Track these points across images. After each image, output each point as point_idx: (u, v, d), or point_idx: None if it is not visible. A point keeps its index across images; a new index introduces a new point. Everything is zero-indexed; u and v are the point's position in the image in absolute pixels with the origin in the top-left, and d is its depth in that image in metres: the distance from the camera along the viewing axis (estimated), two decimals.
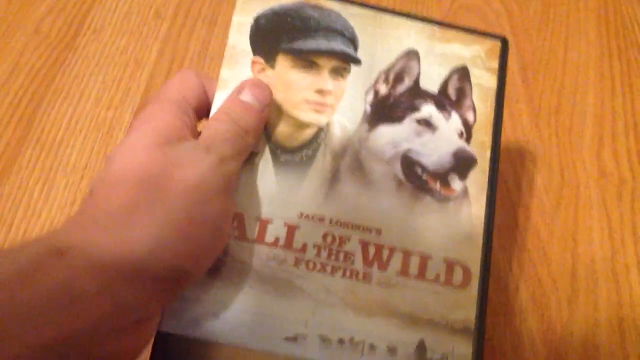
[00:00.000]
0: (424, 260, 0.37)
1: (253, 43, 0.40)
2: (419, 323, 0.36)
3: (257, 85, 0.37)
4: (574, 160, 0.55)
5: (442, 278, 0.37)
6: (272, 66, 0.39)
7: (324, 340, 0.35)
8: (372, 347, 0.35)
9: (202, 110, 0.38)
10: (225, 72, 0.39)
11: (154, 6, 0.66)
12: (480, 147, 0.40)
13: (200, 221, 0.30)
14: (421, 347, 0.35)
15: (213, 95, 0.38)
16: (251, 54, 0.39)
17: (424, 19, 0.43)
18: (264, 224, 0.36)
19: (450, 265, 0.37)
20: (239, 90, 0.37)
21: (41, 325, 0.26)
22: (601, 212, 0.51)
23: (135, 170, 0.31)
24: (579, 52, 0.62)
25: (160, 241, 0.29)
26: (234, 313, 0.35)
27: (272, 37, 0.40)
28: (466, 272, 0.37)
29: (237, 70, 0.39)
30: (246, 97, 0.37)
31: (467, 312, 0.36)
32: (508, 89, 0.60)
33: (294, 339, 0.35)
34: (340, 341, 0.35)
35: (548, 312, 0.47)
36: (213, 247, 0.32)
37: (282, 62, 0.39)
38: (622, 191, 0.53)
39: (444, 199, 0.38)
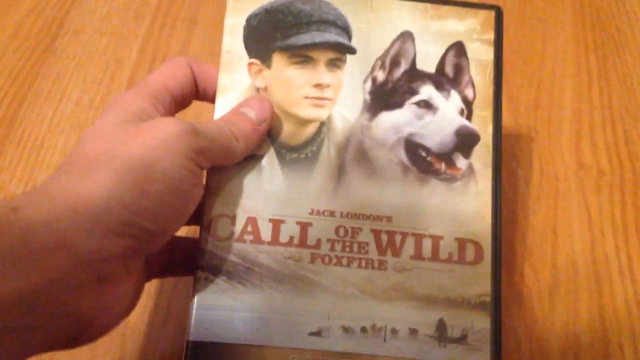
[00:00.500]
0: (436, 241, 0.38)
1: (247, 45, 0.40)
2: (437, 303, 0.36)
3: (258, 99, 0.38)
4: (552, 153, 0.55)
5: (455, 257, 0.37)
6: (269, 66, 0.39)
7: (347, 330, 0.36)
8: (393, 331, 0.36)
9: (187, 99, 0.39)
10: (223, 77, 0.39)
11: (133, 6, 0.66)
12: (482, 122, 0.40)
13: (157, 179, 0.30)
14: (441, 326, 0.36)
15: (207, 80, 0.39)
16: (247, 56, 0.40)
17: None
18: (277, 225, 0.37)
19: (462, 243, 0.38)
20: (241, 104, 0.38)
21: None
22: (580, 204, 0.52)
23: (99, 142, 0.32)
24: (556, 46, 0.63)
25: (113, 194, 0.29)
26: (258, 315, 0.35)
27: (266, 36, 0.40)
28: (478, 248, 0.38)
29: (235, 75, 0.39)
30: (245, 109, 0.37)
31: (482, 287, 0.37)
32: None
33: (318, 333, 0.35)
34: (363, 329, 0.36)
35: (530, 303, 0.47)
36: (175, 208, 0.32)
37: (278, 61, 0.40)
38: (600, 183, 0.53)
39: (450, 179, 0.39)
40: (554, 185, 0.53)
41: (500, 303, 0.37)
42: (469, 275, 0.37)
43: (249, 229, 0.37)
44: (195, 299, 0.35)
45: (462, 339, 0.36)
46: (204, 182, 0.37)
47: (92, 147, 0.32)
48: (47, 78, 0.60)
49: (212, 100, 0.39)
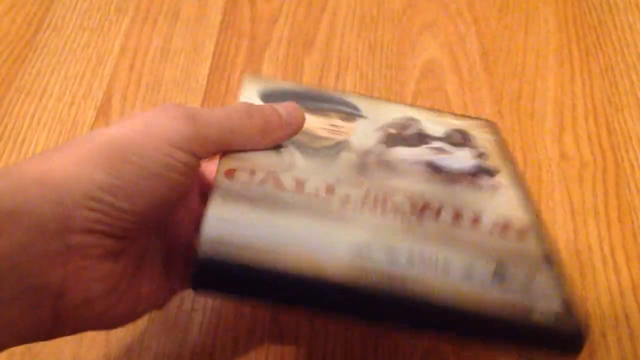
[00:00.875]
0: (477, 216, 0.35)
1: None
2: (489, 251, 0.33)
3: (293, 105, 0.38)
4: (536, 144, 0.55)
5: (499, 231, 0.35)
6: None
7: (391, 256, 0.31)
8: (445, 265, 0.32)
9: None
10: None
11: (114, 1, 0.65)
12: (501, 165, 0.40)
13: (133, 162, 0.30)
14: (499, 271, 0.32)
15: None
16: None
17: (418, 107, 0.45)
18: (301, 182, 0.35)
19: (505, 223, 0.35)
20: (276, 104, 0.37)
21: None
22: (563, 194, 0.52)
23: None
24: (539, 38, 0.63)
25: (83, 169, 0.29)
26: (287, 235, 0.31)
27: (280, 99, 0.40)
28: (521, 229, 0.35)
29: None
30: (277, 106, 0.37)
31: (536, 243, 0.34)
32: (470, 77, 0.60)
33: (358, 252, 0.31)
34: (410, 258, 0.32)
35: None
36: (153, 193, 0.31)
37: None
38: (583, 174, 0.54)
39: (477, 187, 0.37)
40: (537, 176, 0.53)
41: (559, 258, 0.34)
42: (517, 244, 0.34)
43: (270, 180, 0.34)
44: (209, 210, 0.31)
45: (522, 286, 0.32)
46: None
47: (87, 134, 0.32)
48: (28, 74, 0.60)
49: None
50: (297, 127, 0.37)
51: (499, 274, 0.32)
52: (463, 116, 0.44)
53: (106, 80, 0.60)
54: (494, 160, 0.40)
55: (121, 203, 0.30)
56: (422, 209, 0.35)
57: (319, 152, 0.38)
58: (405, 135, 0.41)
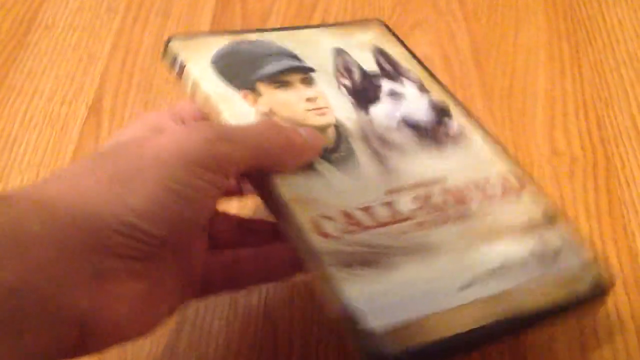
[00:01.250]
0: (487, 181, 0.39)
1: (229, 82, 0.39)
2: (526, 231, 0.37)
3: (311, 129, 0.37)
4: (527, 140, 0.56)
5: (509, 186, 0.39)
6: (260, 94, 0.40)
7: (490, 274, 0.34)
8: (512, 264, 0.35)
9: None
10: (229, 115, 0.38)
11: (105, 1, 0.65)
12: (439, 93, 0.44)
13: (167, 186, 0.29)
14: (540, 250, 0.36)
15: None
16: (235, 90, 0.39)
17: (319, 26, 0.49)
18: (369, 211, 0.35)
19: (504, 176, 0.40)
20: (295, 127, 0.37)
21: None
22: (554, 189, 0.53)
23: (112, 146, 0.31)
24: (529, 35, 0.64)
25: (114, 191, 0.28)
26: (408, 289, 0.32)
27: (240, 72, 0.40)
28: (516, 176, 0.40)
29: (236, 108, 0.38)
30: (302, 130, 0.36)
31: (543, 205, 0.39)
32: (461, 74, 0.61)
33: (468, 285, 0.33)
34: (497, 269, 0.34)
35: None
36: (183, 217, 0.30)
37: (264, 89, 0.40)
38: (574, 169, 0.54)
39: (455, 138, 0.42)
40: (528, 171, 0.54)
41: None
42: (527, 198, 0.39)
43: (350, 220, 0.35)
44: (346, 294, 0.31)
45: (557, 256, 0.36)
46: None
47: (105, 148, 0.31)
48: (19, 73, 0.60)
49: None
50: (317, 150, 0.37)
51: (538, 255, 0.36)
52: (354, 23, 0.49)
53: (97, 79, 0.60)
54: (429, 85, 0.45)
55: (151, 228, 0.29)
56: (459, 200, 0.38)
57: (343, 160, 0.38)
58: (359, 86, 0.43)
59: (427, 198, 0.37)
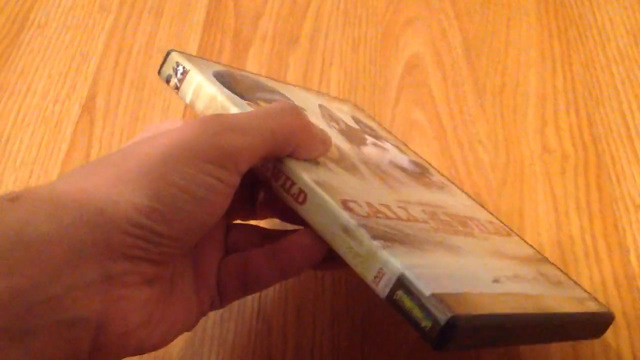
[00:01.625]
0: (480, 222, 0.42)
1: (233, 91, 0.39)
2: (529, 260, 0.40)
3: (324, 130, 0.38)
4: (518, 137, 0.56)
5: (498, 230, 0.42)
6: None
7: (512, 278, 0.35)
8: (534, 278, 0.37)
9: None
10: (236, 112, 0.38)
11: None
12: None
13: (175, 183, 0.28)
14: (544, 274, 0.38)
15: None
16: (242, 99, 0.39)
17: (302, 87, 0.50)
18: (389, 209, 0.35)
19: (490, 223, 0.42)
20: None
21: None
22: (546, 187, 0.53)
23: (123, 148, 0.31)
24: (520, 32, 0.64)
25: (123, 192, 0.27)
26: (448, 270, 0.32)
27: (239, 90, 0.40)
28: (500, 225, 0.43)
29: (245, 109, 0.38)
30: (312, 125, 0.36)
31: (529, 249, 0.41)
32: (453, 71, 0.61)
33: (496, 280, 0.33)
34: (512, 277, 0.35)
35: None
36: (193, 216, 0.29)
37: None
38: (565, 166, 0.54)
39: (439, 186, 0.45)
40: (519, 169, 0.54)
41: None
42: (515, 242, 0.42)
43: (374, 209, 0.34)
44: (394, 262, 0.30)
45: (560, 283, 0.38)
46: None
47: (117, 150, 0.30)
48: (12, 72, 0.60)
49: None
50: (329, 144, 0.36)
51: (544, 276, 0.38)
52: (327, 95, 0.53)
53: (90, 78, 0.60)
54: (406, 151, 0.49)
55: (161, 228, 0.28)
56: (460, 224, 0.39)
57: (352, 168, 0.38)
58: (347, 131, 0.44)
59: (433, 214, 0.38)
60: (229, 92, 0.38)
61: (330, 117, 0.44)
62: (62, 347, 0.26)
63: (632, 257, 0.49)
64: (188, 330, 0.34)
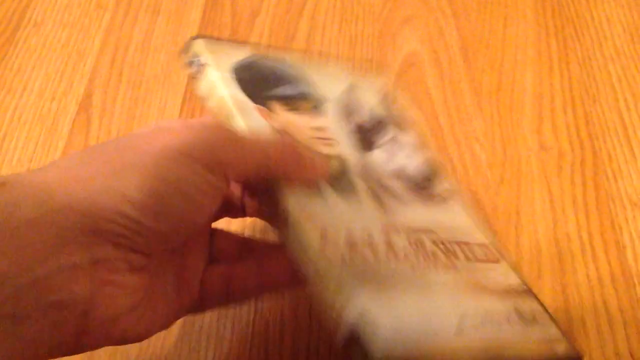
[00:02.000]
0: (469, 246, 0.40)
1: (247, 94, 0.39)
2: (505, 294, 0.38)
3: (324, 157, 0.37)
4: (515, 136, 0.56)
5: (487, 257, 0.40)
6: (272, 111, 0.39)
7: (480, 325, 0.34)
8: (505, 317, 0.36)
9: None
10: (245, 121, 0.38)
11: None
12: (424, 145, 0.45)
13: (169, 182, 0.29)
14: (519, 312, 0.37)
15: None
16: (251, 102, 0.39)
17: (338, 62, 0.50)
18: (369, 242, 0.35)
19: (482, 247, 0.40)
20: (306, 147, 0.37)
21: None
22: (542, 184, 0.53)
23: (121, 139, 0.31)
24: (517, 31, 0.64)
25: (114, 182, 0.28)
26: (410, 321, 0.32)
27: (256, 87, 0.40)
28: (494, 249, 0.41)
29: (252, 118, 0.38)
30: (306, 152, 0.36)
31: (514, 279, 0.39)
32: (450, 69, 0.61)
33: (459, 330, 0.33)
34: (482, 321, 0.34)
35: None
36: (183, 215, 0.30)
37: (276, 107, 0.40)
38: (561, 164, 0.54)
39: (441, 201, 0.42)
40: (516, 166, 0.54)
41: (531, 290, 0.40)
42: (502, 270, 0.39)
43: (351, 243, 0.34)
44: (352, 310, 0.30)
45: (534, 320, 0.37)
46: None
47: (107, 141, 0.31)
48: (9, 70, 0.60)
49: None
50: (325, 174, 0.36)
51: (518, 313, 0.36)
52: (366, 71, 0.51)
53: (87, 76, 0.60)
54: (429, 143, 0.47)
55: (149, 222, 0.29)
56: (447, 253, 0.38)
57: (347, 191, 0.38)
58: (363, 126, 0.43)
59: (419, 243, 0.37)
60: (241, 96, 0.38)
61: (349, 111, 0.43)
62: (49, 331, 0.26)
63: (629, 254, 0.49)
64: (165, 328, 0.34)
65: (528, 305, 0.38)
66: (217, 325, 0.44)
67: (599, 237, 0.50)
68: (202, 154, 0.30)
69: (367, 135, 0.43)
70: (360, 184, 0.39)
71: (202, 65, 0.39)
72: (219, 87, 0.38)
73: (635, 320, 0.45)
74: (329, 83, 0.44)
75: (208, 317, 0.45)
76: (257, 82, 0.40)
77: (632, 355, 0.44)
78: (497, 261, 0.40)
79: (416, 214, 0.39)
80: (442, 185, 0.43)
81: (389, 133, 0.44)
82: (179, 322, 0.45)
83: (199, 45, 0.40)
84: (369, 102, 0.45)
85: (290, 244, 0.34)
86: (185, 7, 0.65)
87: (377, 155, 0.42)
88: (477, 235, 0.41)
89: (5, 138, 0.55)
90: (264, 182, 0.34)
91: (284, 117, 0.39)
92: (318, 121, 0.41)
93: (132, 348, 0.44)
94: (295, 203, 0.34)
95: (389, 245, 0.36)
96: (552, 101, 0.59)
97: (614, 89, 0.59)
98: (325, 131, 0.41)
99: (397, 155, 0.43)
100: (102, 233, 0.27)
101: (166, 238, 0.30)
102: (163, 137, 0.30)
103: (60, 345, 0.28)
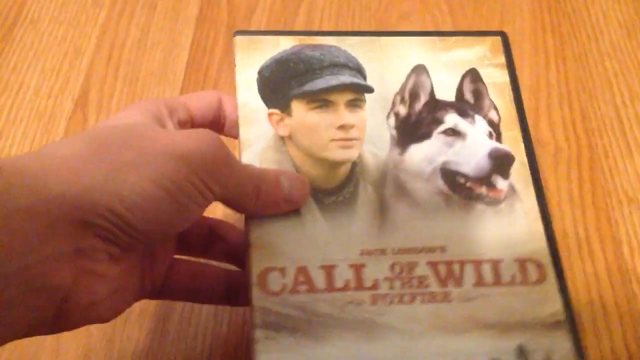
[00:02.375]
0: (496, 265, 0.35)
1: (264, 96, 0.39)
2: (511, 329, 0.34)
3: (299, 179, 0.36)
4: None
5: (518, 278, 0.35)
6: (289, 114, 0.39)
7: None
8: None
9: (209, 127, 0.38)
10: (244, 132, 0.38)
11: None
12: (513, 142, 0.40)
13: (162, 185, 0.30)
14: (521, 353, 0.33)
15: (233, 114, 0.39)
16: (264, 107, 0.39)
17: (421, 33, 0.44)
18: (330, 271, 0.34)
19: (522, 264, 0.36)
20: (282, 172, 0.36)
21: None
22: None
23: (116, 131, 0.31)
24: (514, 27, 0.64)
25: (110, 179, 0.28)
26: None
27: (281, 85, 0.39)
28: (539, 266, 0.36)
29: (255, 127, 0.38)
30: (283, 177, 0.36)
31: (553, 306, 0.34)
32: None
33: None
34: None
35: None
36: (170, 219, 0.31)
37: (298, 108, 0.39)
38: (558, 159, 0.54)
39: (494, 202, 0.38)
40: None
41: (574, 319, 0.35)
42: (537, 294, 0.35)
43: (301, 278, 0.34)
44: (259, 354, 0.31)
45: None
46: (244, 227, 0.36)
47: (109, 132, 0.31)
48: (5, 68, 0.60)
49: (235, 136, 0.39)
50: (298, 204, 0.36)
51: (522, 355, 0.33)
52: (471, 34, 0.44)
53: (83, 73, 0.60)
54: (506, 127, 0.40)
55: (137, 222, 0.29)
56: (445, 278, 0.35)
57: (339, 205, 0.37)
58: (414, 117, 0.40)
59: (408, 268, 0.35)
60: (254, 103, 0.39)
61: (411, 94, 0.41)
62: (30, 315, 0.28)
63: (625, 250, 0.49)
64: (124, 311, 0.35)
65: (545, 342, 0.33)
66: (213, 321, 0.45)
67: (595, 232, 0.50)
68: (200, 167, 0.31)
69: (410, 130, 0.40)
70: (368, 194, 0.37)
71: (235, 65, 0.40)
72: (239, 90, 0.39)
73: (631, 314, 0.46)
74: (387, 66, 0.42)
75: (205, 314, 0.45)
76: (283, 81, 0.40)
77: (627, 350, 0.44)
78: (537, 282, 0.35)
79: (429, 227, 0.37)
80: (506, 182, 0.38)
81: (448, 122, 0.40)
82: (175, 318, 0.45)
83: (237, 42, 0.41)
84: (439, 84, 0.41)
85: (247, 267, 0.35)
86: (182, 4, 0.65)
87: (424, 148, 0.39)
88: (522, 249, 0.36)
89: (2, 135, 0.55)
90: (241, 209, 0.35)
91: (301, 119, 0.39)
92: (348, 117, 0.39)
93: (128, 345, 0.44)
94: (257, 232, 0.35)
95: (357, 272, 0.35)
96: (548, 97, 0.59)
97: (610, 85, 0.59)
98: (351, 131, 0.39)
99: (448, 149, 0.39)
100: (90, 226, 0.28)
101: (150, 238, 0.31)
102: (167, 141, 0.31)
103: (38, 327, 0.29)
